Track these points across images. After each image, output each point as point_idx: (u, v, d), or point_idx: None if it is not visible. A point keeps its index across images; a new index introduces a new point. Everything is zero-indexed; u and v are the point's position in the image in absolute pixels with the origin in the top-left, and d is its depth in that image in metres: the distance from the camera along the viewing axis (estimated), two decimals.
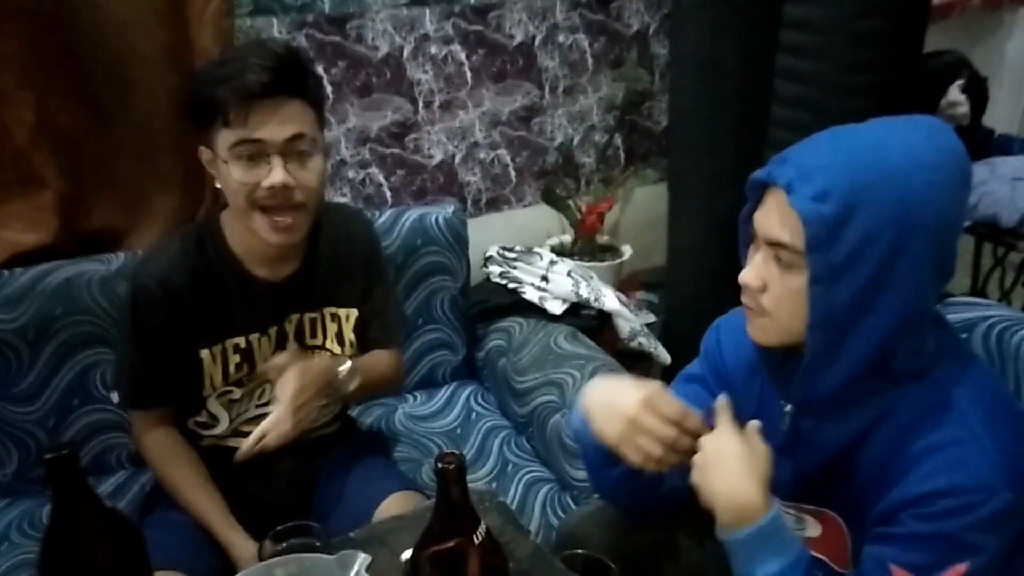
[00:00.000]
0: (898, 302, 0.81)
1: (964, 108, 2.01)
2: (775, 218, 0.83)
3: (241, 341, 1.25)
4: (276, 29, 1.72)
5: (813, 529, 0.97)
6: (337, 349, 1.33)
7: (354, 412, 1.62)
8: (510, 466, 1.62)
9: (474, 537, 0.73)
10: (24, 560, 1.35)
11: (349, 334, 1.34)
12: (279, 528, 0.90)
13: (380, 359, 1.37)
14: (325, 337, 1.33)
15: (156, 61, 1.60)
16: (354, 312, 1.34)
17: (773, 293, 0.86)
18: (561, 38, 2.05)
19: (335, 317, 1.33)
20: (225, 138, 1.12)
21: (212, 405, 1.28)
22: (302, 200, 1.16)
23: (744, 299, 0.90)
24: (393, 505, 1.24)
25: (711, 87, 1.78)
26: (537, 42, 2.02)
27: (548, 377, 1.66)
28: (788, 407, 0.94)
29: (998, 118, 3.78)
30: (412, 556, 0.78)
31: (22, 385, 1.50)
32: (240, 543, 1.18)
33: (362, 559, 0.77)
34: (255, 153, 1.12)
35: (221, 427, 1.29)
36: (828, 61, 1.50)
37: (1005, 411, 0.84)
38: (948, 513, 0.78)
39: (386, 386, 1.46)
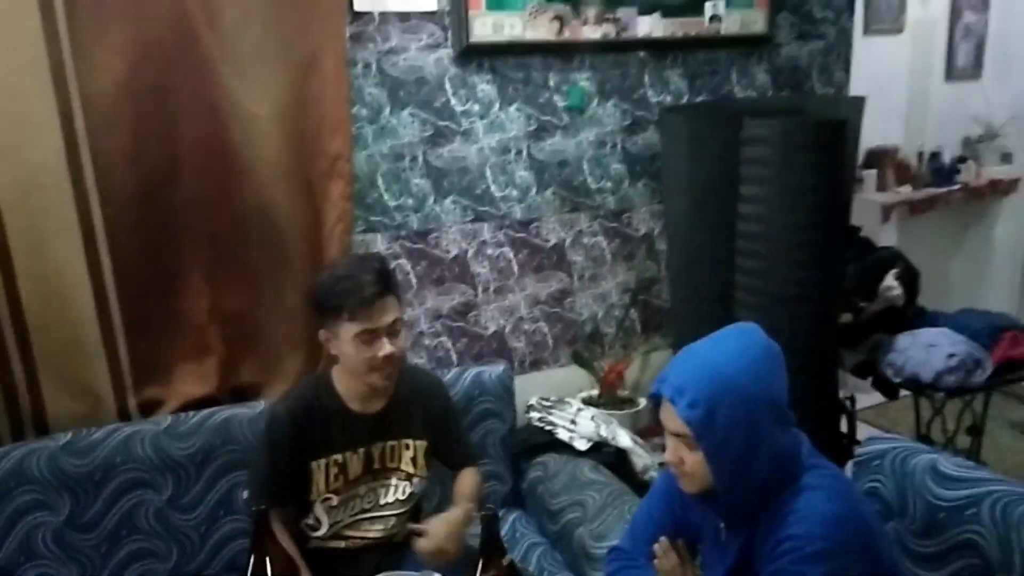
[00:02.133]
0: (766, 453, 1.18)
1: (898, 291, 2.38)
2: (671, 419, 1.21)
3: (339, 457, 1.63)
4: (380, 242, 2.24)
5: None
6: (411, 469, 1.69)
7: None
8: (545, 573, 1.93)
9: (503, 561, 1.19)
10: None
11: (420, 458, 1.71)
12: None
13: (470, 480, 1.74)
14: (401, 460, 1.69)
15: (296, 264, 2.09)
16: (423, 443, 1.70)
17: (688, 463, 1.23)
18: (585, 240, 2.52)
19: (408, 446, 1.70)
20: (348, 328, 1.53)
21: (317, 509, 1.64)
22: (398, 360, 1.60)
23: (672, 470, 1.29)
24: None
25: (693, 277, 2.23)
26: (567, 243, 2.49)
27: (574, 498, 2.00)
28: (721, 524, 1.32)
29: (993, 297, 3.99)
30: None
31: (187, 498, 1.92)
32: None
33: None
34: (370, 338, 1.55)
35: (323, 530, 1.65)
36: (771, 261, 1.98)
37: (839, 494, 1.23)
38: (782, 553, 1.17)
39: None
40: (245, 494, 1.79)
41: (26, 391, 1.92)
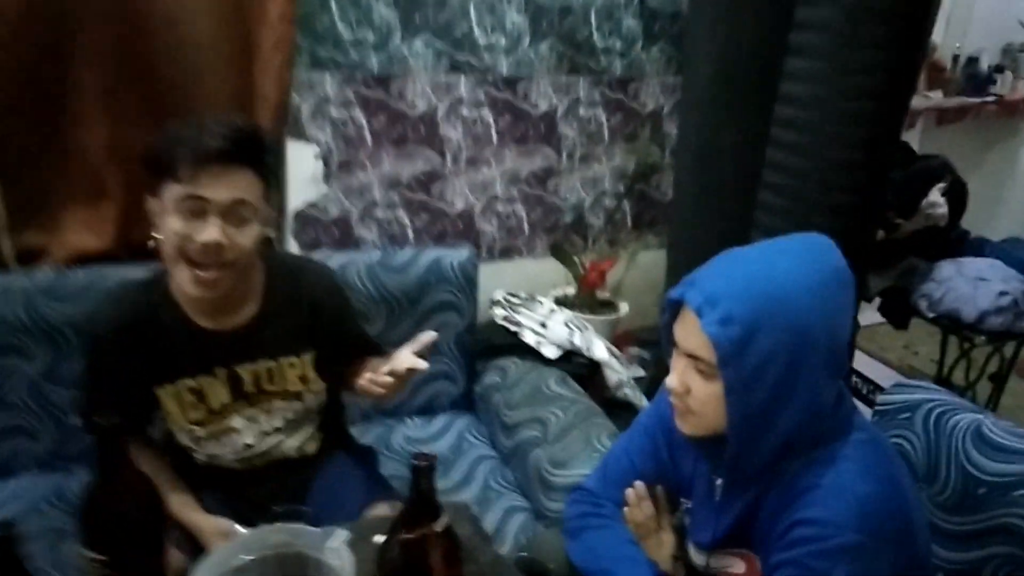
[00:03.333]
0: (801, 402, 0.93)
1: (943, 209, 2.10)
2: (691, 335, 0.95)
3: (192, 383, 1.27)
4: (329, 83, 1.90)
5: (738, 567, 1.09)
6: (298, 387, 1.34)
7: (355, 428, 1.71)
8: (492, 493, 1.71)
9: (434, 526, 0.88)
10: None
11: (310, 373, 1.35)
12: (275, 510, 0.99)
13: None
14: (286, 381, 1.34)
15: (220, 96, 1.76)
16: (311, 354, 1.35)
17: (696, 397, 0.97)
18: (582, 111, 2.21)
19: (293, 364, 1.33)
20: (173, 192, 1.14)
21: (182, 439, 1.31)
22: (231, 259, 1.17)
23: (672, 399, 1.02)
24: (379, 511, 1.30)
25: (708, 167, 1.92)
26: (559, 113, 2.18)
27: (535, 414, 1.77)
28: (719, 481, 1.07)
29: (1007, 221, 3.84)
30: (384, 540, 0.93)
31: (66, 367, 1.62)
32: (205, 522, 1.23)
33: (342, 534, 0.92)
34: (197, 209, 1.14)
35: (199, 457, 1.33)
36: (812, 158, 1.66)
37: (878, 469, 0.96)
38: (800, 541, 0.91)
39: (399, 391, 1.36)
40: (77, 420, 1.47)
41: None
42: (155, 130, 1.69)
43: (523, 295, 2.12)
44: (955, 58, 3.63)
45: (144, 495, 0.95)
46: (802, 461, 0.97)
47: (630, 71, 2.22)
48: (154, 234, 1.19)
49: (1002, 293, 2.04)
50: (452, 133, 2.09)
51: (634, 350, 2.32)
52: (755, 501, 1.02)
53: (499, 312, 2.06)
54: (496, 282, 2.14)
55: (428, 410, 1.96)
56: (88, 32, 1.64)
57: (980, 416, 1.30)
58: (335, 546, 0.91)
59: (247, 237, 1.18)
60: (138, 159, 1.21)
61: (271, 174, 1.26)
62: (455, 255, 1.94)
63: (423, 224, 2.14)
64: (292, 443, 1.39)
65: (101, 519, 0.91)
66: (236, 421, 1.31)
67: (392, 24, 1.91)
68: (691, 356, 0.96)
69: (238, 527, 1.21)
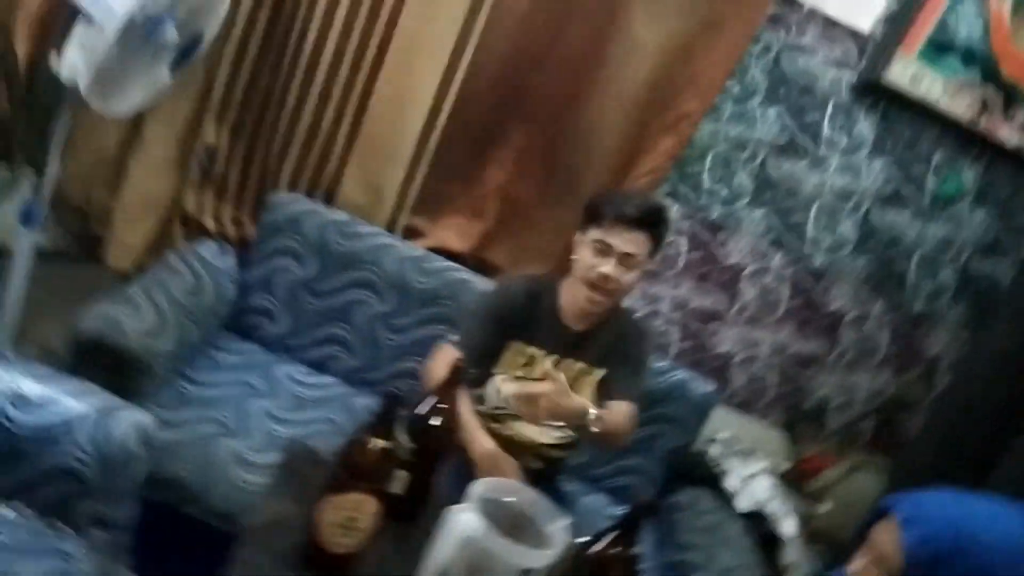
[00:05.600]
0: None
1: None
2: (888, 542, 1.04)
3: (533, 351, 1.71)
4: (675, 210, 2.20)
5: None
6: (585, 392, 1.70)
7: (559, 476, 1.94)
8: None
9: (631, 551, 1.16)
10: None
11: (596, 389, 1.73)
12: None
13: (620, 411, 1.66)
14: (582, 386, 1.71)
15: (588, 188, 2.09)
16: (601, 371, 1.73)
17: None
18: (867, 326, 2.32)
19: (591, 372, 1.73)
20: (593, 233, 1.62)
21: (491, 384, 1.72)
22: (614, 290, 1.63)
23: None
24: None
25: (964, 431, 1.98)
26: (848, 318, 2.32)
27: (706, 543, 1.92)
28: None
29: None
30: (583, 541, 1.18)
31: (399, 320, 2.07)
32: (488, 442, 1.61)
33: (566, 520, 1.19)
34: (604, 250, 1.61)
35: (485, 407, 1.73)
36: None
37: None
38: None
39: (614, 441, 1.70)
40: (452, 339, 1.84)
41: (336, 163, 2.15)
42: (534, 185, 2.14)
43: (743, 447, 2.26)
44: None
45: (455, 422, 1.35)
46: None
47: (928, 314, 2.31)
48: (572, 256, 1.67)
49: None
50: (748, 290, 2.31)
51: (820, 548, 2.32)
52: None
53: (714, 450, 2.21)
54: (722, 425, 2.28)
55: (617, 493, 2.14)
56: (540, 108, 2.12)
57: None
58: (558, 526, 1.20)
59: (629, 277, 1.64)
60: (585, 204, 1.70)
61: (662, 242, 1.67)
62: (702, 385, 2.13)
63: (686, 350, 2.37)
64: (550, 435, 1.75)
65: (424, 423, 1.30)
66: (539, 386, 1.66)
67: (745, 190, 2.23)
68: (878, 556, 1.06)
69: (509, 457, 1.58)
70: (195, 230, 2.17)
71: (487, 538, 1.11)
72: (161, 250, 2.11)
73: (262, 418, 1.84)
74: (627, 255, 1.61)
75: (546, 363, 1.71)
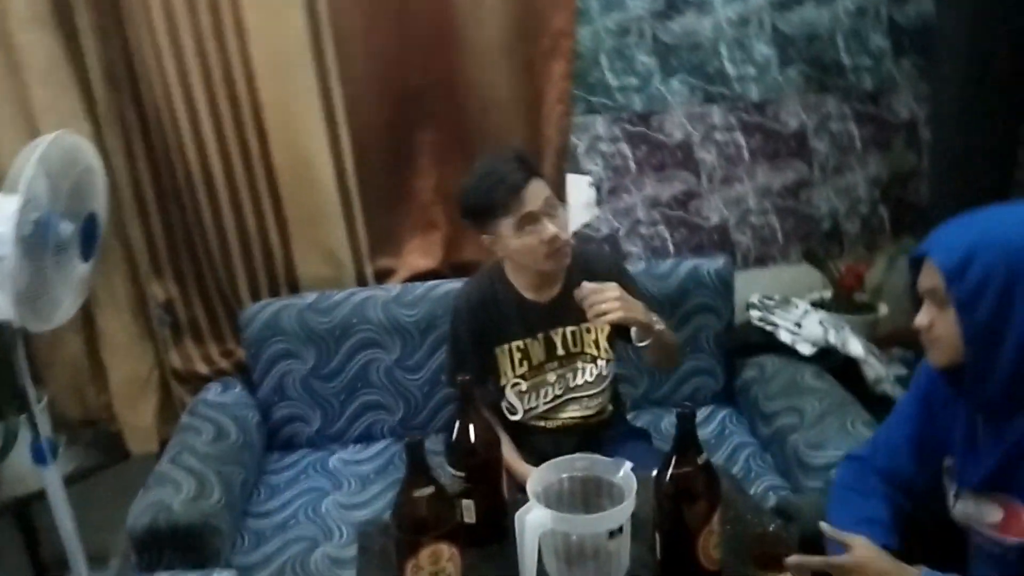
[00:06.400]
0: (1019, 331, 1.01)
1: None
2: (927, 277, 1.09)
3: (520, 344, 1.68)
4: (600, 124, 2.20)
5: (995, 515, 1.12)
6: (595, 351, 1.69)
7: (629, 415, 1.98)
8: (752, 474, 1.88)
9: (698, 460, 1.15)
10: None
11: (603, 342, 1.70)
12: None
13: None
14: (584, 344, 1.70)
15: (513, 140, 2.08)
16: (607, 326, 1.62)
17: (937, 326, 1.10)
18: (832, 126, 2.28)
19: (589, 329, 1.70)
20: (506, 223, 1.55)
21: (509, 395, 1.70)
22: (567, 240, 1.59)
23: (921, 338, 1.15)
24: None
25: (963, 171, 1.93)
26: (809, 129, 2.27)
27: (791, 403, 1.92)
28: (980, 419, 1.13)
29: None
30: (656, 473, 1.20)
31: (412, 360, 2.09)
32: (524, 468, 1.61)
33: (628, 464, 1.21)
34: (531, 219, 1.54)
35: (519, 415, 1.72)
36: None
37: None
38: None
39: (673, 352, 1.70)
40: (444, 377, 1.91)
41: (281, 253, 2.15)
42: (464, 168, 2.01)
43: (777, 297, 2.22)
44: None
45: (491, 433, 1.34)
46: None
47: (880, 84, 2.25)
48: (499, 254, 1.64)
49: None
50: (707, 156, 2.28)
51: (897, 351, 2.31)
52: (1019, 441, 1.06)
53: (755, 314, 2.18)
54: (752, 287, 2.26)
55: (691, 402, 2.05)
56: (424, 99, 2.10)
57: None
58: (624, 472, 1.21)
59: (564, 221, 1.63)
60: (460, 213, 1.67)
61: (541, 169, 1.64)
62: (711, 264, 2.13)
63: (682, 238, 2.34)
64: (590, 403, 1.74)
65: (462, 449, 1.31)
66: (550, 376, 1.70)
67: (652, 69, 2.18)
68: (929, 292, 1.09)
69: None
70: (193, 381, 2.19)
71: (560, 523, 1.11)
72: (173, 415, 2.13)
73: (338, 512, 1.86)
74: (546, 205, 1.58)
75: (537, 350, 1.70)
